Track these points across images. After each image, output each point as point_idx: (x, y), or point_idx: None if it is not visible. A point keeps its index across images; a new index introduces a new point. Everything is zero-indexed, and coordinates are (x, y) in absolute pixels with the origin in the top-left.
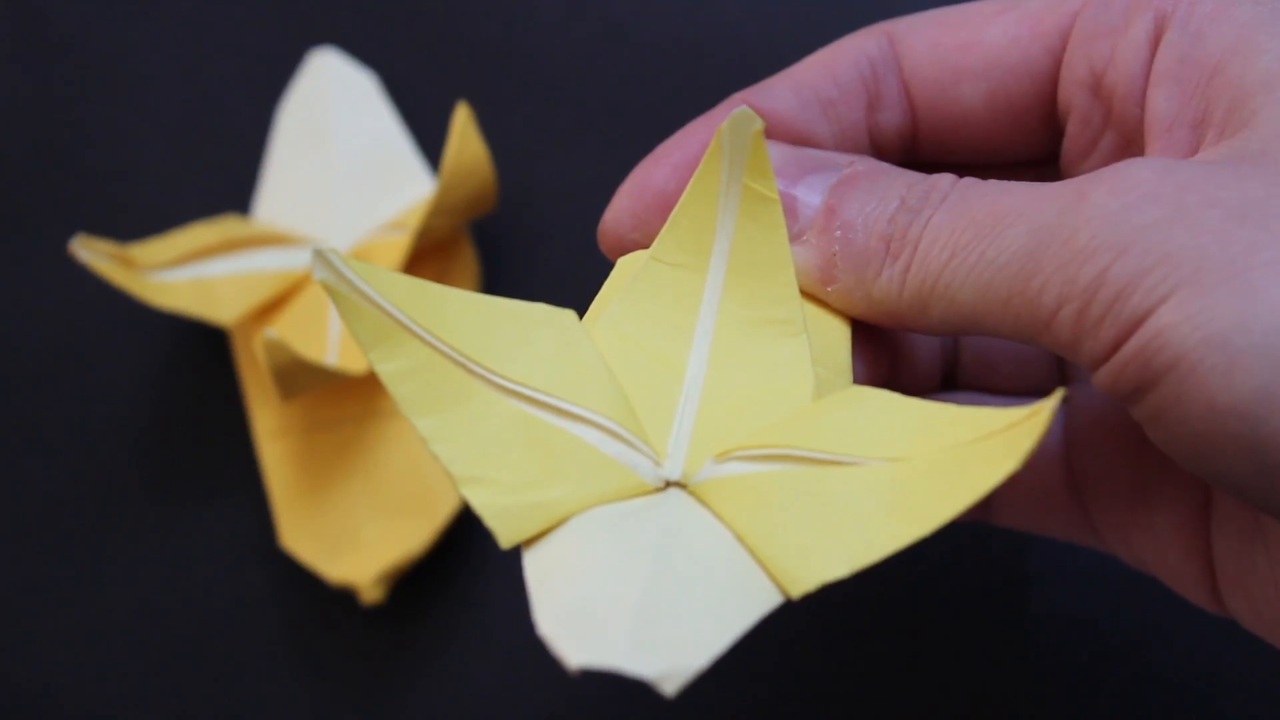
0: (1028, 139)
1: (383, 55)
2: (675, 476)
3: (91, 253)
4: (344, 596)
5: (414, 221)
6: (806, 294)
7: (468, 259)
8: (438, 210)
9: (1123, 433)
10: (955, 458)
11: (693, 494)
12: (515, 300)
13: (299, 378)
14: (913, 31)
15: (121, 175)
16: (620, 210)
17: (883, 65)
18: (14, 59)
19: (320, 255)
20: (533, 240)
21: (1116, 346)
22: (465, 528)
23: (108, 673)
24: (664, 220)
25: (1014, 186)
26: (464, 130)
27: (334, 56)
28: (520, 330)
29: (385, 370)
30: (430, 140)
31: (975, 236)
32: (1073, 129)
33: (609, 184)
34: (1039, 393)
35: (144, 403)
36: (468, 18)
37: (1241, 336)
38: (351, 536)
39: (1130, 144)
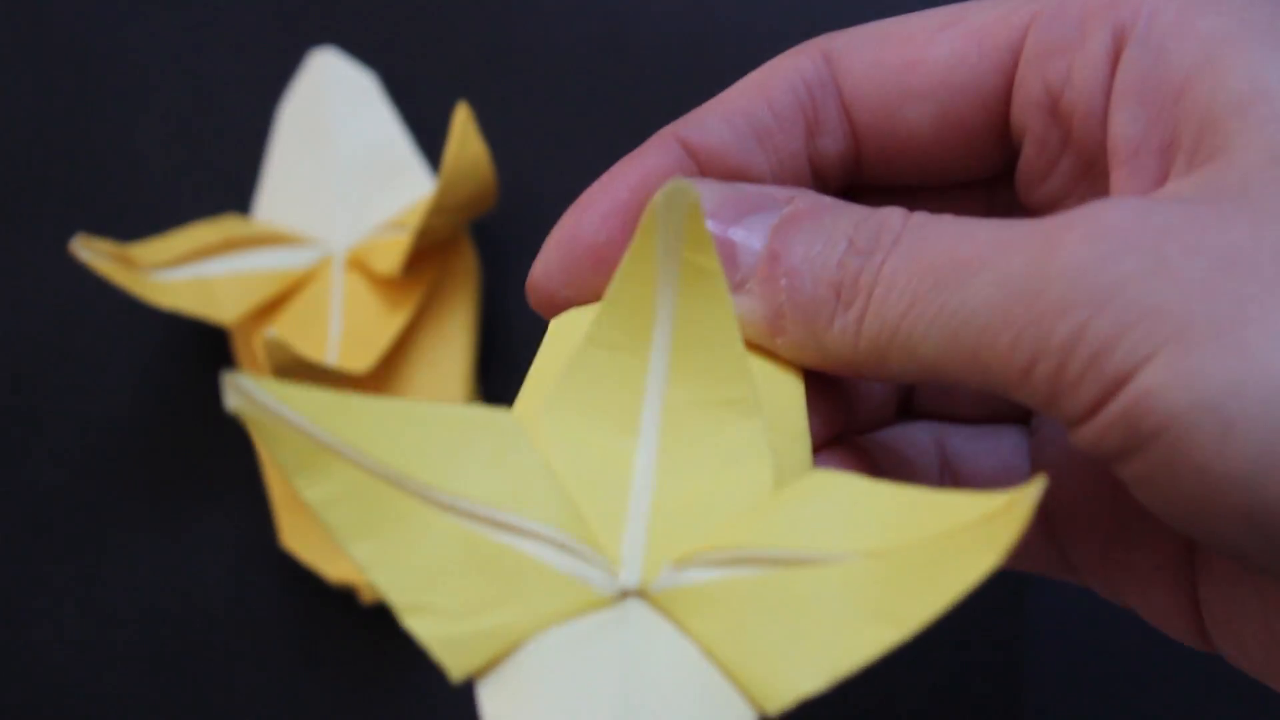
0: (979, 160)
1: (383, 55)
2: (632, 585)
3: (92, 252)
4: (344, 596)
5: (414, 221)
6: (754, 346)
7: (468, 259)
8: (438, 210)
9: (1097, 471)
10: (932, 551)
11: (653, 604)
12: (447, 405)
13: (299, 378)
14: (851, 51)
15: (122, 175)
16: (549, 265)
17: (820, 88)
18: (14, 59)
19: (231, 382)
20: (533, 240)
21: (1098, 407)
22: None
23: (107, 672)
24: (596, 274)
25: (973, 228)
26: (464, 130)
27: (334, 56)
28: (455, 438)
29: (312, 496)
30: (430, 140)
31: (935, 285)
32: (1029, 150)
33: None
34: (1001, 420)
35: (144, 403)
36: (468, 18)
37: (1236, 401)
38: None
39: (1092, 166)
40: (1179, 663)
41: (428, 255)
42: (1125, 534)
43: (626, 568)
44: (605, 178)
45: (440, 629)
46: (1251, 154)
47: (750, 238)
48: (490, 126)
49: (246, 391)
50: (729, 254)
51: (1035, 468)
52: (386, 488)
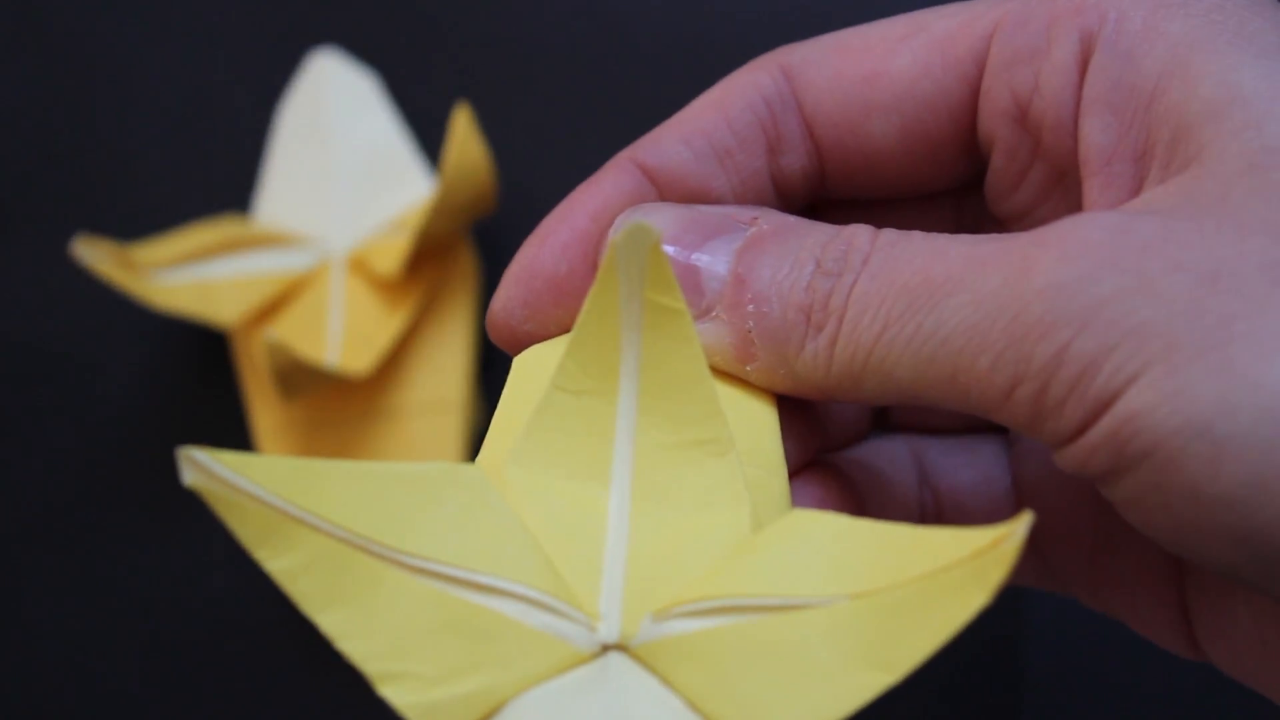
0: (946, 171)
1: (383, 55)
2: (613, 640)
3: (92, 253)
4: None
5: (414, 223)
6: (724, 374)
7: (467, 261)
8: (437, 212)
9: (1081, 483)
10: (920, 592)
11: (634, 657)
12: (411, 463)
13: (300, 379)
14: (811, 64)
15: (122, 175)
16: (510, 299)
17: (780, 104)
18: (14, 59)
19: (187, 457)
20: None
21: (1083, 429)
22: None
23: (107, 672)
24: (557, 306)
25: (945, 245)
26: (464, 132)
27: (334, 57)
28: (421, 497)
29: (276, 568)
30: (430, 140)
31: (909, 307)
32: (998, 161)
33: None
34: (978, 431)
35: (144, 403)
36: (468, 18)
37: (1225, 422)
38: None
39: (1063, 175)
40: (1178, 661)
41: (428, 256)
42: (1111, 545)
43: (605, 622)
44: (562, 207)
45: (417, 696)
46: (1228, 162)
47: (714, 263)
48: (490, 126)
49: (203, 465)
50: (693, 281)
51: (1016, 480)
52: (354, 554)
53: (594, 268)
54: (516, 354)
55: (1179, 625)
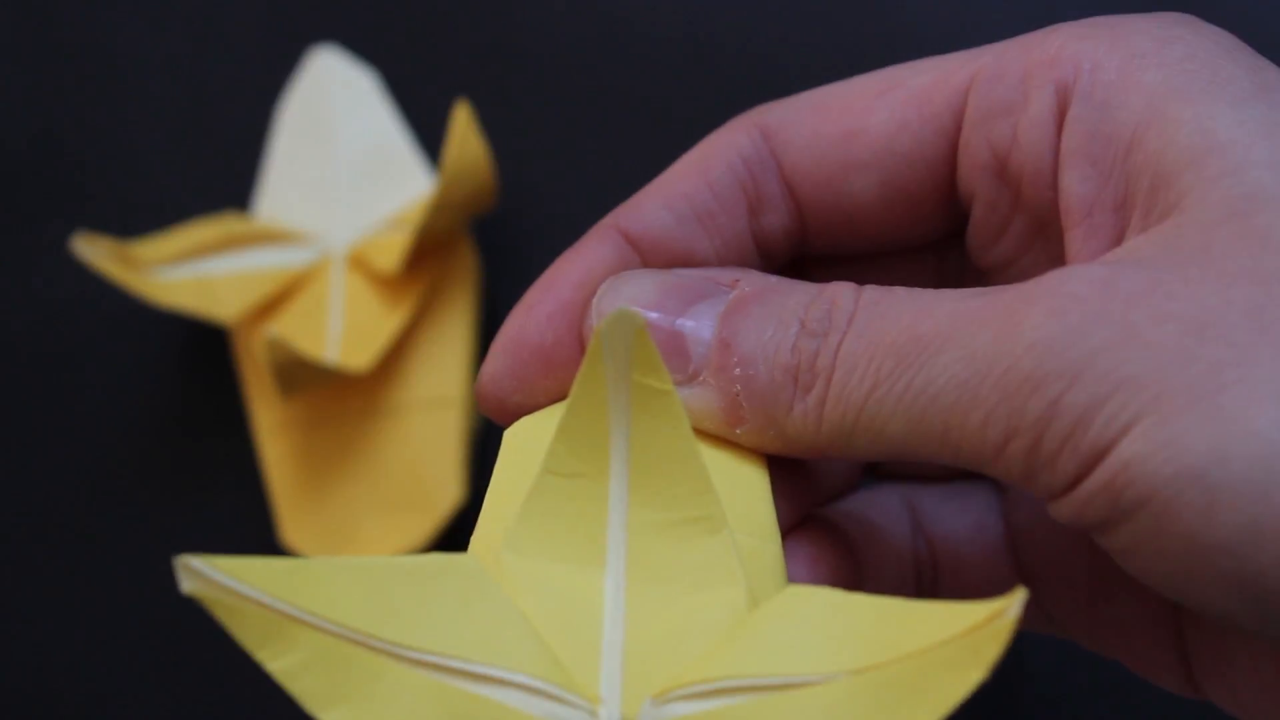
0: (927, 225)
1: (383, 54)
2: None
3: (93, 250)
4: None
5: (414, 220)
6: (713, 437)
7: (467, 258)
8: (438, 209)
9: (1074, 529)
10: (916, 667)
11: None
12: (407, 556)
13: (300, 376)
14: (789, 124)
15: (122, 173)
16: (498, 371)
17: (759, 165)
18: (14, 58)
19: (185, 566)
20: (533, 240)
21: (1077, 481)
22: (463, 524)
23: (108, 670)
24: (545, 377)
25: (931, 302)
26: (464, 129)
27: (334, 54)
28: (418, 590)
29: (278, 668)
30: (430, 139)
31: (898, 364)
32: (979, 214)
33: (609, 184)
34: (969, 477)
35: (144, 401)
36: (468, 17)
37: (1219, 470)
38: (351, 531)
39: (1045, 226)
40: None
41: (428, 254)
42: (1107, 590)
43: (606, 706)
44: (546, 277)
45: None
46: (1209, 209)
47: (699, 328)
48: (490, 126)
49: (200, 572)
50: (679, 346)
51: (1009, 526)
52: (354, 649)
53: (579, 337)
54: (507, 425)
55: (1177, 666)
